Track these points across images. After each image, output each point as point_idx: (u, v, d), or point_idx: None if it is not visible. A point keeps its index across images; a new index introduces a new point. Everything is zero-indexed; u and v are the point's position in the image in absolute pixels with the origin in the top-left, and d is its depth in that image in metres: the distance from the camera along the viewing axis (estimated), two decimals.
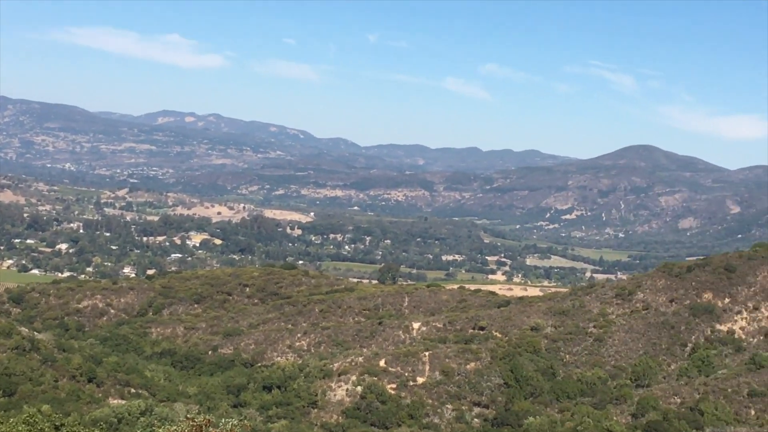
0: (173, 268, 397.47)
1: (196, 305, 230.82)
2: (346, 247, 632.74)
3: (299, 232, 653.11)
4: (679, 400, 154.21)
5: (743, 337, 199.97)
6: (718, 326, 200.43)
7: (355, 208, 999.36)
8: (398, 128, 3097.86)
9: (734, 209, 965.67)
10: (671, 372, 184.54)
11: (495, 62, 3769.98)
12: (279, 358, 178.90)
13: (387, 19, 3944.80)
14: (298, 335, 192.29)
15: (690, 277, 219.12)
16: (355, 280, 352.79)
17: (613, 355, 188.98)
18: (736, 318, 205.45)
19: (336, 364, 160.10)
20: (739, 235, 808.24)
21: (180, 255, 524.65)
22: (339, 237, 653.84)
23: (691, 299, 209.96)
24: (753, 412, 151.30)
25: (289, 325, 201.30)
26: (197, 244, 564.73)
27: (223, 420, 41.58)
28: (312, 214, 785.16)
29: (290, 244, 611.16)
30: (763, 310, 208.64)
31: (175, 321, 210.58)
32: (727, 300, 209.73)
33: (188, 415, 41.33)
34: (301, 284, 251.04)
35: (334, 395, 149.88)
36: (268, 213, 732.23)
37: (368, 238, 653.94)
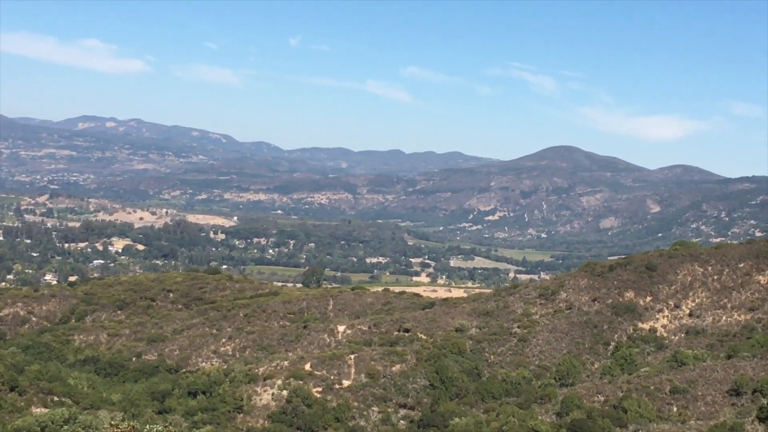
0: (96, 275, 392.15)
1: (119, 312, 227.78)
2: (270, 251, 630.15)
3: (223, 236, 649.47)
4: (602, 399, 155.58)
5: (665, 334, 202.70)
6: (640, 324, 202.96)
7: (279, 211, 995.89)
8: (321, 132, 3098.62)
9: (654, 208, 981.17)
10: (595, 371, 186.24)
11: (416, 65, 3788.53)
12: (204, 364, 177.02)
13: (308, 23, 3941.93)
14: (223, 340, 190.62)
15: (612, 276, 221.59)
16: (280, 284, 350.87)
17: (537, 354, 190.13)
18: (657, 316, 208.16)
19: (261, 369, 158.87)
20: (660, 234, 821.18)
21: (102, 261, 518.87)
22: (263, 241, 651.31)
23: (613, 298, 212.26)
24: (675, 409, 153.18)
25: (214, 330, 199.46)
26: (120, 250, 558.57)
27: (147, 426, 40.67)
28: (235, 218, 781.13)
29: (214, 249, 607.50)
30: (683, 307, 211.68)
31: (98, 328, 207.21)
32: (648, 298, 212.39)
33: (112, 422, 40.33)
34: (225, 289, 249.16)
35: (260, 400, 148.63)
36: (191, 218, 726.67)
37: (292, 242, 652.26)
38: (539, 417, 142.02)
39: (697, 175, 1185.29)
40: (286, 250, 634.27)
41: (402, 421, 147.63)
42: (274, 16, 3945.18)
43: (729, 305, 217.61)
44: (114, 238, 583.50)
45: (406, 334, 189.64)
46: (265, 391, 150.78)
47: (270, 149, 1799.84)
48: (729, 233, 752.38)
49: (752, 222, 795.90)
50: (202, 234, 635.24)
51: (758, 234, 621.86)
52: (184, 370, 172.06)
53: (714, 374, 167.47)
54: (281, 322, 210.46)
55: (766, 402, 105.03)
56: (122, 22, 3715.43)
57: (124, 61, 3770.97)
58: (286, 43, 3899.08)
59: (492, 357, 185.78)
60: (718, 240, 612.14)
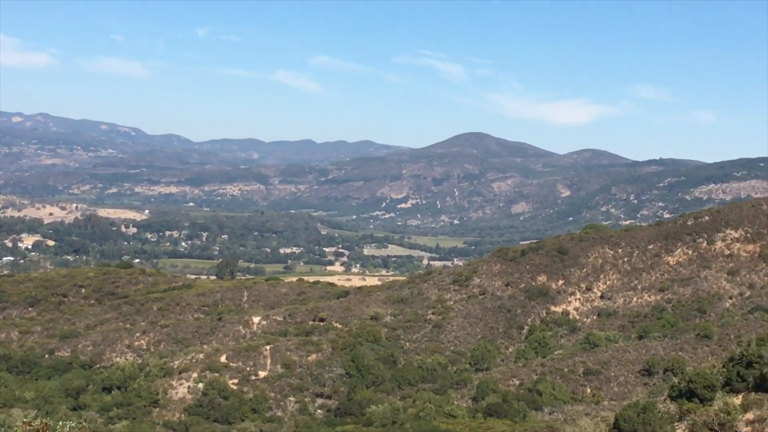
0: (5, 272, 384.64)
1: (30, 308, 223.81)
2: (183, 243, 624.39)
3: (134, 230, 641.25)
4: (517, 382, 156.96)
5: (577, 317, 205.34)
6: (552, 308, 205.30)
7: (191, 204, 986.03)
8: (231, 123, 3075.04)
9: (565, 193, 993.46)
10: (509, 355, 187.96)
11: (326, 54, 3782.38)
12: (118, 359, 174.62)
13: (217, 14, 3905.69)
14: (137, 334, 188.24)
15: (524, 261, 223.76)
16: (193, 276, 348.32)
17: (452, 340, 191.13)
18: (570, 299, 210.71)
19: (176, 362, 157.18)
20: (570, 218, 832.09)
21: (12, 258, 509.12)
22: (175, 234, 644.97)
23: (526, 282, 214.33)
24: (589, 390, 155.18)
25: (128, 325, 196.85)
26: (29, 246, 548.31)
27: (60, 423, 39.55)
28: (147, 211, 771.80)
29: (125, 243, 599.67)
30: (595, 290, 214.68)
31: (9, 325, 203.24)
32: (560, 282, 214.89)
33: (25, 420, 39.17)
34: (138, 283, 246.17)
35: (176, 393, 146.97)
36: (102, 212, 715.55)
37: (205, 234, 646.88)
38: (455, 402, 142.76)
39: (606, 159, 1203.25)
40: (199, 242, 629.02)
41: (319, 411, 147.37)
42: (181, 8, 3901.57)
43: (639, 286, 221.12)
44: (23, 235, 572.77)
45: (322, 324, 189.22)
46: (180, 384, 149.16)
47: (180, 141, 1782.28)
48: (638, 216, 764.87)
49: (660, 204, 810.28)
50: (114, 228, 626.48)
51: (666, 216, 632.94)
52: (98, 366, 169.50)
53: (626, 355, 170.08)
54: (195, 315, 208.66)
55: (677, 381, 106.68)
56: (26, 15, 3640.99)
57: (28, 55, 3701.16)
58: (194, 35, 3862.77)
59: (407, 344, 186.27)
60: (627, 222, 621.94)
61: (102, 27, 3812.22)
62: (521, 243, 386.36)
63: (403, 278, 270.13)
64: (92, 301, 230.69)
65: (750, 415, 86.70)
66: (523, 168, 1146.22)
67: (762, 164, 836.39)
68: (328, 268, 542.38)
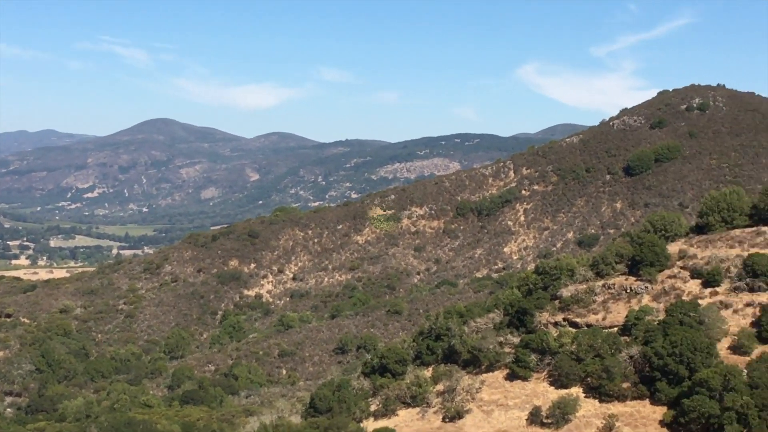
0: None
1: None
2: None
3: None
4: (213, 368, 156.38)
5: (271, 300, 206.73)
6: (246, 292, 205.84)
7: None
8: None
9: (254, 176, 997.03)
10: (204, 341, 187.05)
11: (1, 42, 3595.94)
12: None
13: None
14: None
15: (216, 246, 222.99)
16: None
17: (145, 329, 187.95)
18: (262, 282, 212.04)
19: None
20: (260, 201, 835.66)
21: None
22: None
23: (218, 267, 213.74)
24: (284, 372, 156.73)
25: None
26: None
27: None
28: None
29: None
30: (287, 272, 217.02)
31: None
32: (252, 265, 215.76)
33: None
34: None
35: None
36: None
37: None
38: (151, 392, 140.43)
39: (294, 142, 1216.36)
40: None
41: (9, 409, 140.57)
42: None
43: (330, 266, 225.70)
44: None
45: (8, 320, 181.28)
46: None
47: None
48: (327, 197, 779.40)
49: (348, 184, 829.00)
50: None
51: (354, 196, 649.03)
52: None
53: (320, 335, 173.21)
54: None
55: (370, 357, 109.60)
56: None
57: None
58: None
59: (99, 335, 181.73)
60: (316, 204, 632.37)
61: None
62: (212, 228, 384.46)
63: (93, 269, 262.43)
64: None
65: (440, 386, 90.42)
66: (212, 153, 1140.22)
67: (443, 142, 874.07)
68: (13, 262, 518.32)
